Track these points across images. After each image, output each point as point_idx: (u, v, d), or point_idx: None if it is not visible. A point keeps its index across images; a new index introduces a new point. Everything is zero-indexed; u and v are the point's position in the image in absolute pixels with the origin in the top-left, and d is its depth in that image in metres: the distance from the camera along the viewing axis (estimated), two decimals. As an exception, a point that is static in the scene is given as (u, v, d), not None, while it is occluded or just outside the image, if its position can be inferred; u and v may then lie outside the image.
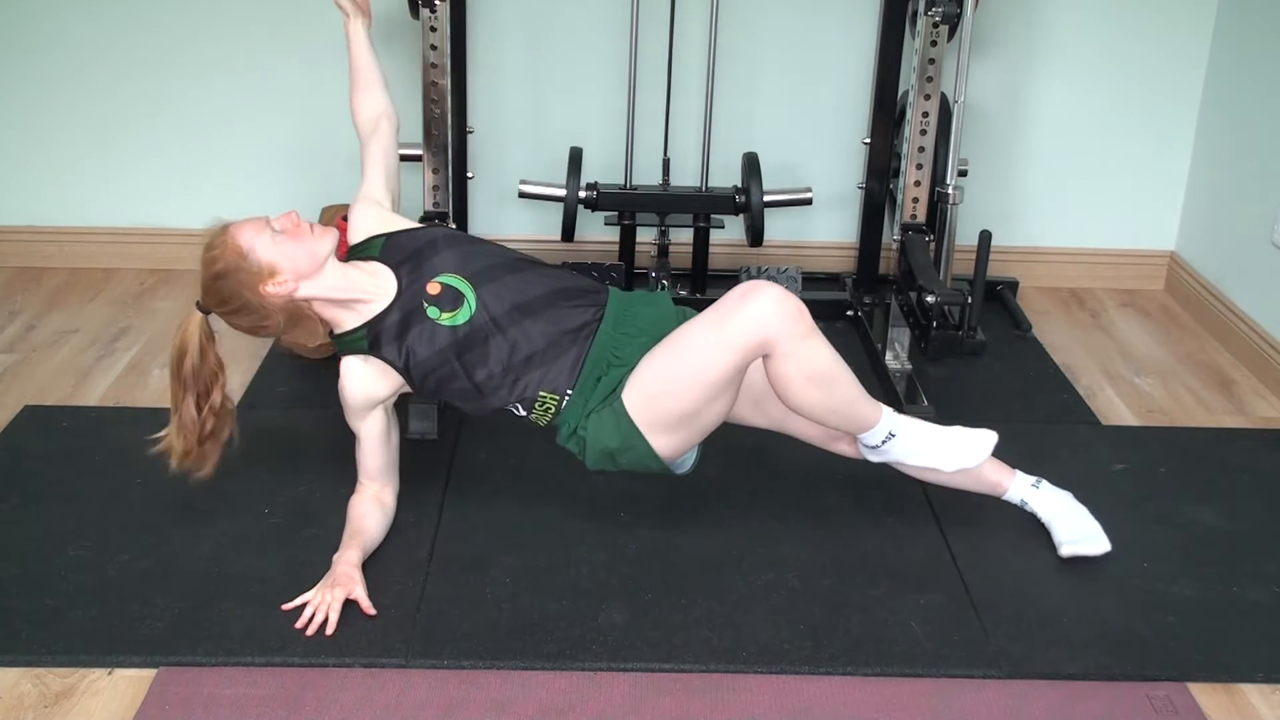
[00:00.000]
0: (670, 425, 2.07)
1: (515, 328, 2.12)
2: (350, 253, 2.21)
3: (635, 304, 2.21)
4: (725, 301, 2.01)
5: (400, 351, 2.11)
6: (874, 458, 2.22)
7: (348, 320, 2.13)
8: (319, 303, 2.11)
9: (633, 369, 2.09)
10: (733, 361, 1.99)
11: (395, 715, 1.82)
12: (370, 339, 2.12)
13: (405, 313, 2.11)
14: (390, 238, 2.20)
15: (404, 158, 3.05)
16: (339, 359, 2.18)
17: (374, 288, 2.13)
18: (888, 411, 2.16)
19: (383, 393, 2.16)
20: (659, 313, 2.20)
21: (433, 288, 2.12)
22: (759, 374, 2.10)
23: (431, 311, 2.11)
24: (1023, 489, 2.27)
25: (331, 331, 2.17)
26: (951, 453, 2.21)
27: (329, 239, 2.11)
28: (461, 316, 2.11)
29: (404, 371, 2.13)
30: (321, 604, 1.98)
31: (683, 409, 2.05)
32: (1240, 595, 2.13)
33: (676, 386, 2.03)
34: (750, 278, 3.19)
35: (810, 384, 2.04)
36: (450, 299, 2.12)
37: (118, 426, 2.60)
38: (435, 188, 2.95)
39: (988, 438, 2.22)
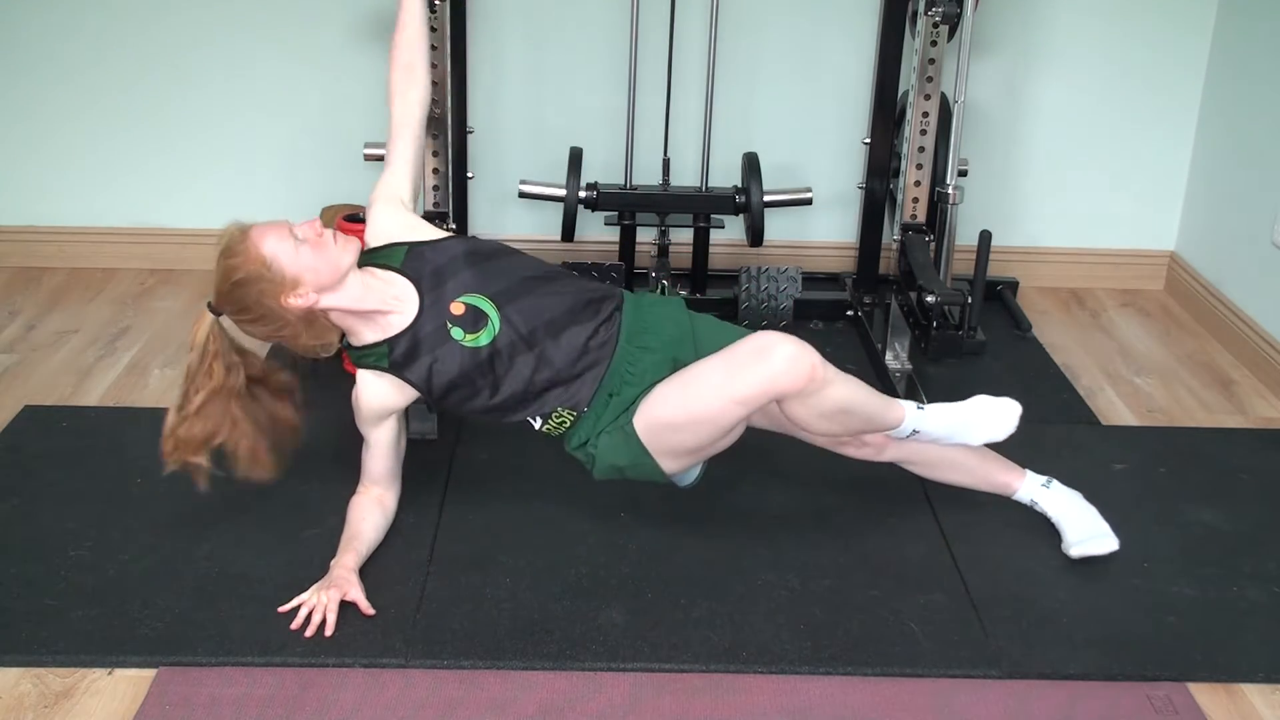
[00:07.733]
0: (678, 453, 2.10)
1: (537, 349, 2.10)
2: (367, 256, 2.13)
3: (648, 314, 2.19)
4: (740, 352, 2.01)
5: (422, 373, 2.10)
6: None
7: (366, 333, 2.10)
8: (338, 313, 2.08)
9: (645, 390, 2.09)
10: (743, 412, 2.02)
11: (395, 715, 1.82)
12: (391, 359, 2.10)
13: (428, 332, 2.08)
14: (413, 249, 2.13)
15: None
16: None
17: (394, 301, 2.09)
18: (910, 409, 2.16)
19: (398, 405, 2.16)
20: (672, 326, 2.18)
21: (456, 308, 2.09)
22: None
23: (455, 333, 2.08)
24: (1033, 489, 2.27)
25: (348, 343, 2.14)
26: (978, 428, 2.21)
27: (351, 251, 2.06)
28: (485, 338, 2.09)
29: (425, 391, 2.11)
30: (318, 605, 1.97)
31: (691, 443, 2.08)
32: (1240, 595, 2.13)
33: (686, 424, 2.05)
34: (750, 278, 3.22)
35: (826, 419, 2.09)
36: (473, 320, 2.09)
37: (118, 426, 2.60)
38: (435, 188, 2.94)
39: (1011, 409, 2.20)
